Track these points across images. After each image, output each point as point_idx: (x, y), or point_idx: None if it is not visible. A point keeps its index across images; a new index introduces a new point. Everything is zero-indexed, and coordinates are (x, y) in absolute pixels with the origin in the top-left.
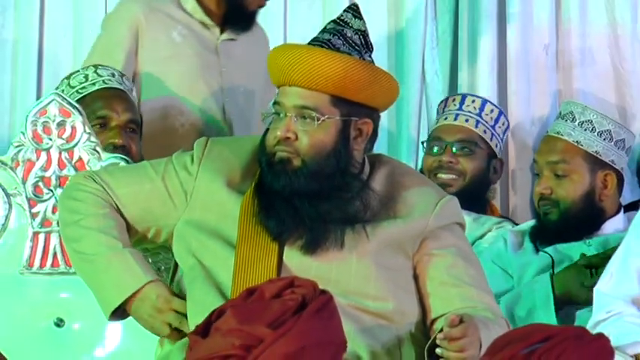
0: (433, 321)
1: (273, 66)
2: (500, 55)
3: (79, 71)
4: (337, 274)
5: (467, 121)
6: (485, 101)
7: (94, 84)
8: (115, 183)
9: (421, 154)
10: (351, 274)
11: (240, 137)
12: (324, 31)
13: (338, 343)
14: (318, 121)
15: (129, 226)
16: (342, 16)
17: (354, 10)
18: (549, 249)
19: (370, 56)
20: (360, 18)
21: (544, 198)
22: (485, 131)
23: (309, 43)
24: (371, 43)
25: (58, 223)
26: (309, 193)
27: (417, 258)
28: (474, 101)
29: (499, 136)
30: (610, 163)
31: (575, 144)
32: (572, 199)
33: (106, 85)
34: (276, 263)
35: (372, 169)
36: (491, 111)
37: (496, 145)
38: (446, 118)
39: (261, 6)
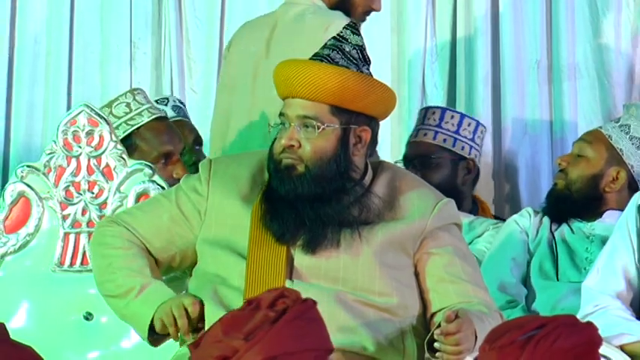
0: (433, 315)
1: (278, 79)
2: (495, 70)
3: (118, 99)
4: (345, 272)
5: (425, 135)
6: (444, 110)
7: (140, 114)
8: (136, 222)
9: None
10: (358, 273)
11: (242, 153)
12: (324, 47)
13: (317, 350)
14: (318, 129)
15: (156, 257)
16: (341, 32)
17: (352, 27)
18: (558, 239)
19: (368, 69)
20: (358, 34)
21: (560, 170)
22: (445, 140)
23: (310, 58)
24: (368, 57)
25: (87, 224)
26: (312, 197)
27: (418, 256)
28: (434, 113)
29: (465, 137)
30: (629, 165)
31: (607, 136)
32: (579, 175)
33: (154, 116)
34: (285, 265)
35: (375, 174)
36: (452, 117)
37: (462, 148)
38: (410, 136)
39: (363, 21)
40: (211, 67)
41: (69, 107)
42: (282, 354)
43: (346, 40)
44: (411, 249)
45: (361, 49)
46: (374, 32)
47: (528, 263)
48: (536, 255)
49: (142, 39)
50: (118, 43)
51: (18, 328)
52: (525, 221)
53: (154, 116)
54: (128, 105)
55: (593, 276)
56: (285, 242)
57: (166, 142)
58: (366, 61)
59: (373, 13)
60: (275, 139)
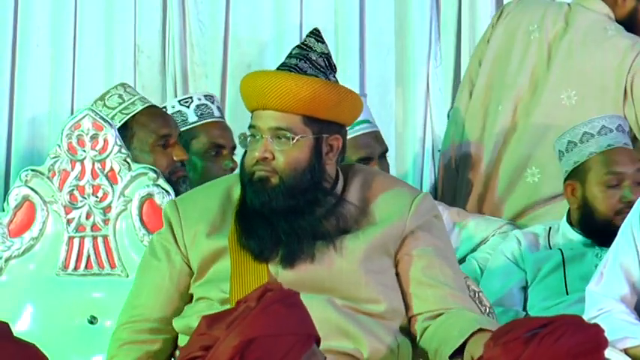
0: (412, 317)
1: (247, 92)
2: None
3: (109, 92)
4: (331, 283)
5: None
6: None
7: (134, 103)
8: (147, 311)
9: (427, 163)
10: (343, 283)
11: (204, 185)
12: (290, 56)
13: (298, 334)
14: (293, 140)
15: (180, 311)
16: (305, 41)
17: (316, 34)
18: (563, 246)
19: (335, 77)
20: (323, 42)
21: (628, 204)
22: None
23: (278, 69)
24: (334, 65)
25: (91, 228)
26: (286, 209)
27: (399, 257)
28: None
29: None
30: None
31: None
32: None
33: (147, 104)
34: (267, 279)
35: (346, 180)
36: None
37: None
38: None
39: None
40: (215, 71)
41: (72, 111)
42: (259, 336)
43: (311, 48)
44: (392, 249)
45: (327, 57)
46: (379, 37)
47: (524, 288)
48: (538, 281)
49: (146, 43)
50: (122, 47)
51: (22, 331)
52: (514, 248)
53: (146, 104)
54: (120, 96)
55: (597, 280)
56: (264, 259)
57: (163, 126)
58: (333, 69)
59: (376, 18)
60: (245, 151)
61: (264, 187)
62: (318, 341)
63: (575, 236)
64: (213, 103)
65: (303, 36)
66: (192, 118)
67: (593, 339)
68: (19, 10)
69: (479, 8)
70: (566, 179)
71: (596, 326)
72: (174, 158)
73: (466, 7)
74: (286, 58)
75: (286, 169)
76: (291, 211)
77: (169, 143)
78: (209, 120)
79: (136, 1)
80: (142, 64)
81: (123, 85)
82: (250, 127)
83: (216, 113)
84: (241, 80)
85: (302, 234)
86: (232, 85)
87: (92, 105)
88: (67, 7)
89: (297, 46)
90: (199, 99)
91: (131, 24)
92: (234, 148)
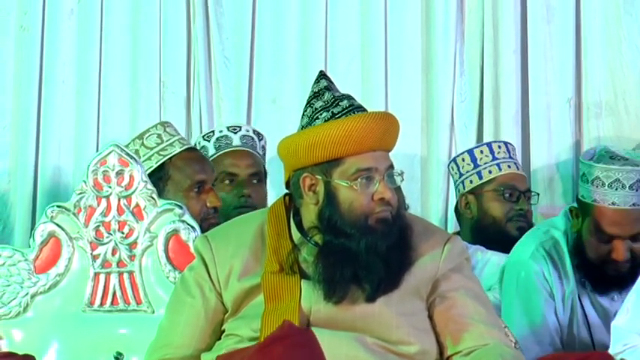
0: (449, 357)
1: (363, 134)
2: (524, 108)
3: (149, 131)
4: (362, 323)
5: (518, 169)
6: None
7: (172, 145)
8: (183, 348)
9: (451, 199)
10: (374, 324)
11: (236, 220)
12: (343, 97)
13: None
14: (401, 177)
15: (211, 347)
16: (325, 84)
17: (325, 75)
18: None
19: None
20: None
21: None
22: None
23: (357, 112)
24: None
25: (117, 264)
26: (391, 247)
27: (430, 299)
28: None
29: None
30: None
31: None
32: None
33: (185, 146)
34: (298, 316)
35: None
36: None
37: None
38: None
39: None
40: (240, 106)
41: (98, 147)
42: None
43: (335, 89)
44: (424, 292)
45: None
46: (404, 72)
47: None
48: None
49: (171, 78)
50: (147, 83)
51: None
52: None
53: (185, 147)
54: (159, 136)
55: (622, 315)
56: (330, 299)
57: (199, 171)
58: None
59: (402, 53)
60: (348, 195)
61: (388, 227)
62: None
63: None
64: (236, 133)
65: (329, 72)
66: (211, 151)
67: None
68: (44, 47)
69: (502, 41)
70: None
71: None
72: (208, 204)
73: (489, 41)
74: (343, 100)
75: (397, 207)
76: (394, 247)
77: (204, 189)
78: (226, 150)
79: (161, 37)
80: (167, 99)
81: (163, 124)
82: (365, 169)
83: (236, 142)
84: (350, 123)
85: (398, 267)
86: (257, 120)
87: (130, 143)
88: (93, 43)
89: (328, 89)
90: (220, 131)
91: (156, 60)
92: (253, 174)
